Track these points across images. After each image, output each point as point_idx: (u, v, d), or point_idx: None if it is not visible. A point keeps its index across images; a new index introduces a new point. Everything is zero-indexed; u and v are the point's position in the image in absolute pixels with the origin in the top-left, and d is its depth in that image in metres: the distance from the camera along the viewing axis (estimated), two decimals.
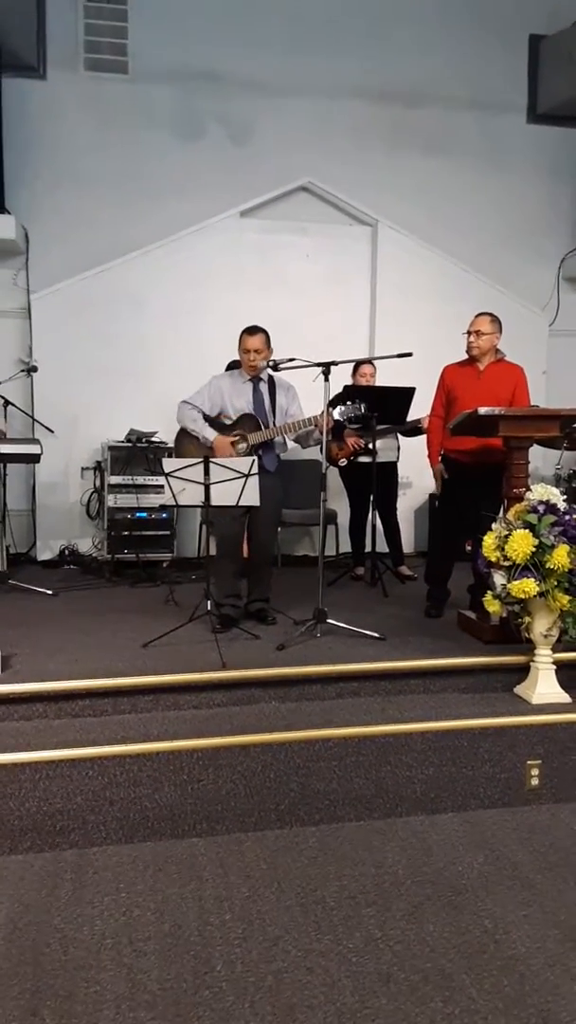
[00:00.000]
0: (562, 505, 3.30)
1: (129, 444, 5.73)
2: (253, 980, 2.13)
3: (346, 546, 5.91)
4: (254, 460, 3.73)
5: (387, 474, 5.50)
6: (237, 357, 4.37)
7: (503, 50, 6.83)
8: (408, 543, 6.46)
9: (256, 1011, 2.01)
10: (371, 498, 5.33)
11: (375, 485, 5.25)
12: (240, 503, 3.74)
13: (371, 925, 2.38)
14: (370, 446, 5.27)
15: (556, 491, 3.35)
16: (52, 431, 5.81)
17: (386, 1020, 1.99)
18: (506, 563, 3.25)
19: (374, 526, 5.40)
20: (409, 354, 4.04)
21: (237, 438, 4.13)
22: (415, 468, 5.64)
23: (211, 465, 3.70)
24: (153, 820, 2.86)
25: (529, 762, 3.17)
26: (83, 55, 6.25)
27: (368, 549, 5.46)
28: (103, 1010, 2.02)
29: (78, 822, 2.80)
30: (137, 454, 5.71)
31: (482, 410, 3.66)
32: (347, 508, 5.73)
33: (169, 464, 3.80)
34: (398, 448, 5.63)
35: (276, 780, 2.96)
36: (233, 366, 4.92)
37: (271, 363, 4.06)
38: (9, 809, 2.76)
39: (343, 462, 5.39)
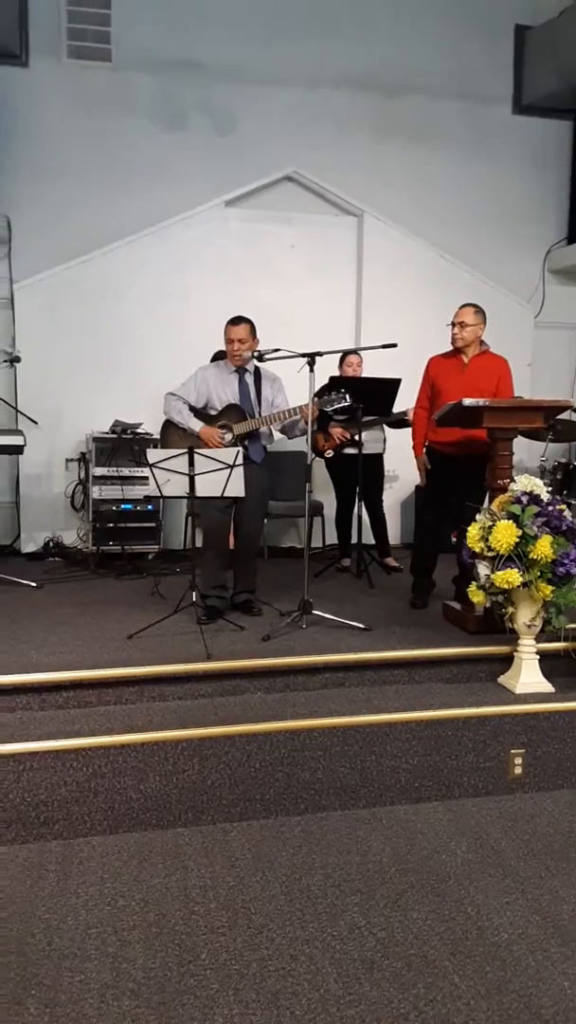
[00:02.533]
0: (545, 496, 3.33)
1: (114, 435, 5.71)
2: (237, 968, 2.14)
3: (332, 538, 5.92)
4: (239, 451, 3.72)
5: (373, 466, 5.51)
6: (223, 348, 4.36)
7: (489, 40, 6.82)
8: (394, 535, 6.47)
9: (240, 999, 2.03)
10: (357, 490, 5.34)
11: (361, 477, 5.26)
12: (225, 494, 3.74)
13: (355, 913, 2.39)
14: (356, 438, 5.27)
15: (539, 482, 3.37)
16: (36, 422, 5.77)
17: (370, 1006, 2.01)
18: (490, 554, 3.27)
19: (360, 517, 5.40)
20: (394, 345, 4.05)
21: (224, 429, 4.12)
22: (401, 460, 5.64)
23: (196, 456, 3.69)
24: (138, 811, 2.86)
25: (512, 751, 3.19)
26: (66, 42, 6.18)
27: (354, 540, 5.47)
28: (88, 999, 2.02)
29: (63, 813, 2.80)
30: (122, 445, 5.69)
31: (467, 401, 3.66)
32: (333, 500, 5.73)
33: (154, 455, 3.79)
34: (384, 440, 5.64)
35: (261, 770, 2.97)
36: (219, 357, 4.91)
37: (256, 354, 4.05)
38: None
39: (329, 454, 5.39)
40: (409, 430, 4.76)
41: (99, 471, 5.68)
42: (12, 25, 6.00)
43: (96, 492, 5.67)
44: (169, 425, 4.28)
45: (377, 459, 5.59)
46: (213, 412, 4.21)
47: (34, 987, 2.06)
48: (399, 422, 5.43)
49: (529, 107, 6.94)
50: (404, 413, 5.25)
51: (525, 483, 3.36)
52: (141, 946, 2.23)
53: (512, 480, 3.48)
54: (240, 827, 2.89)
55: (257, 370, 4.27)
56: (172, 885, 2.52)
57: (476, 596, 3.39)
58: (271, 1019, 1.96)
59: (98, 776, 2.84)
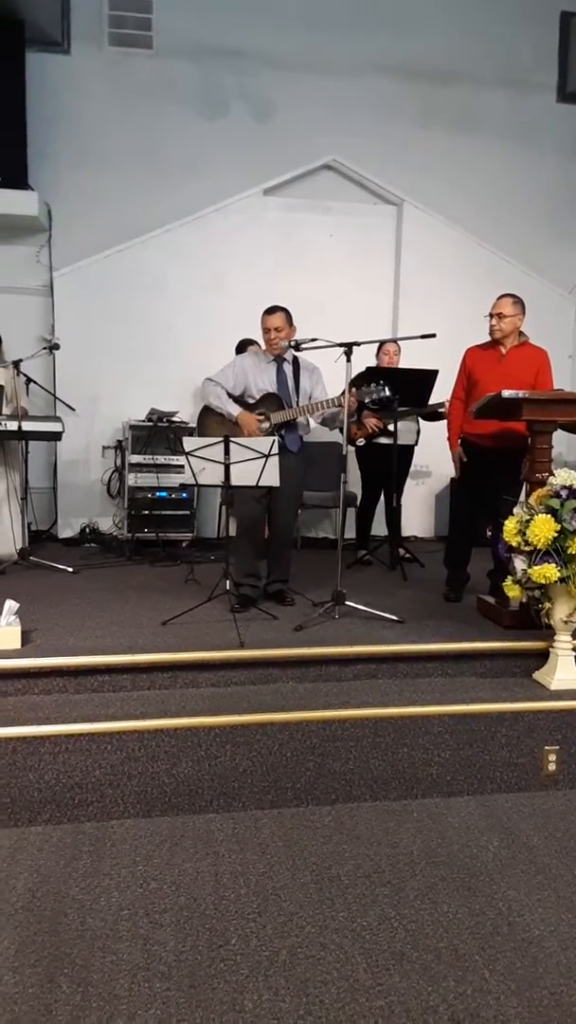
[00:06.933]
0: None
1: (150, 423, 5.74)
2: (267, 955, 2.15)
3: None
4: (274, 440, 3.71)
5: (404, 457, 5.45)
6: (250, 336, 4.34)
7: (533, 27, 6.70)
8: (427, 528, 6.44)
9: (270, 985, 2.04)
10: (385, 480, 5.29)
11: (391, 466, 5.21)
12: (260, 483, 3.74)
13: (385, 904, 2.39)
14: (390, 427, 5.23)
15: None
16: (74, 409, 5.83)
17: (399, 997, 2.00)
18: (527, 548, 3.23)
19: (388, 508, 5.37)
20: (432, 335, 4.00)
21: (262, 417, 4.12)
22: (435, 453, 5.59)
23: (232, 445, 3.69)
24: (171, 795, 2.88)
25: (546, 747, 3.16)
26: (107, 30, 6.21)
27: (386, 533, 5.42)
28: (119, 979, 2.05)
29: (97, 795, 2.84)
30: (158, 433, 5.72)
31: (506, 393, 3.61)
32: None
33: (189, 443, 3.80)
34: (418, 432, 5.57)
35: (293, 759, 2.98)
36: (243, 346, 4.89)
37: (293, 343, 4.04)
38: (29, 781, 2.80)
39: (360, 442, 5.34)
40: (443, 423, 4.71)
41: (135, 459, 5.72)
42: (54, 13, 6.04)
43: (132, 479, 5.72)
44: (207, 412, 4.28)
45: (408, 450, 5.53)
46: (251, 400, 4.21)
47: (67, 966, 2.10)
48: (433, 414, 5.37)
49: (574, 95, 6.81)
50: (440, 405, 5.19)
51: (564, 477, 3.31)
52: (172, 929, 2.25)
53: (551, 474, 3.42)
54: (271, 815, 2.91)
55: (295, 360, 4.25)
56: (203, 870, 2.54)
57: (512, 591, 3.35)
58: (300, 1006, 1.97)
59: (132, 760, 2.87)
